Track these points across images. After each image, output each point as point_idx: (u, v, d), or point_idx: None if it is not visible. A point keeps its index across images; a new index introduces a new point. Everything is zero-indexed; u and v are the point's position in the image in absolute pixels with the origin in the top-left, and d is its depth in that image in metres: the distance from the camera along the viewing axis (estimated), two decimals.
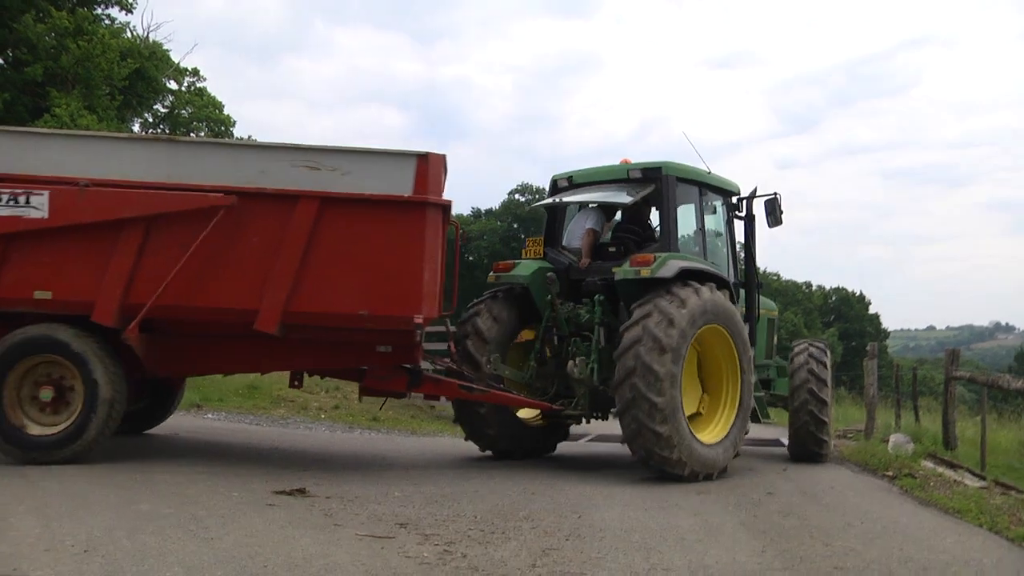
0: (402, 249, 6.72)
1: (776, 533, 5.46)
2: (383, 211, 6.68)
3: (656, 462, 7.30)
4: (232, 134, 48.95)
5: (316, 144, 6.77)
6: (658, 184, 8.23)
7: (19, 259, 6.52)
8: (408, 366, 7.42)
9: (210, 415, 11.31)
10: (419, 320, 6.73)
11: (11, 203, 6.43)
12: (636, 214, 8.82)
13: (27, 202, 6.44)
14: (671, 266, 7.64)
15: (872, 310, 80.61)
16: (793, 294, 67.94)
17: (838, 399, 22.88)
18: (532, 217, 58.00)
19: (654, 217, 8.82)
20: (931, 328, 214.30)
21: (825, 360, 9.34)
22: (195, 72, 47.14)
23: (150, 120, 45.78)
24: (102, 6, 35.73)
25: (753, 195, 9.12)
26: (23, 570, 3.76)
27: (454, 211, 7.69)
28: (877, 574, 4.67)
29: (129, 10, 36.81)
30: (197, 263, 6.50)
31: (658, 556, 4.70)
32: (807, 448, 9.23)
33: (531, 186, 61.73)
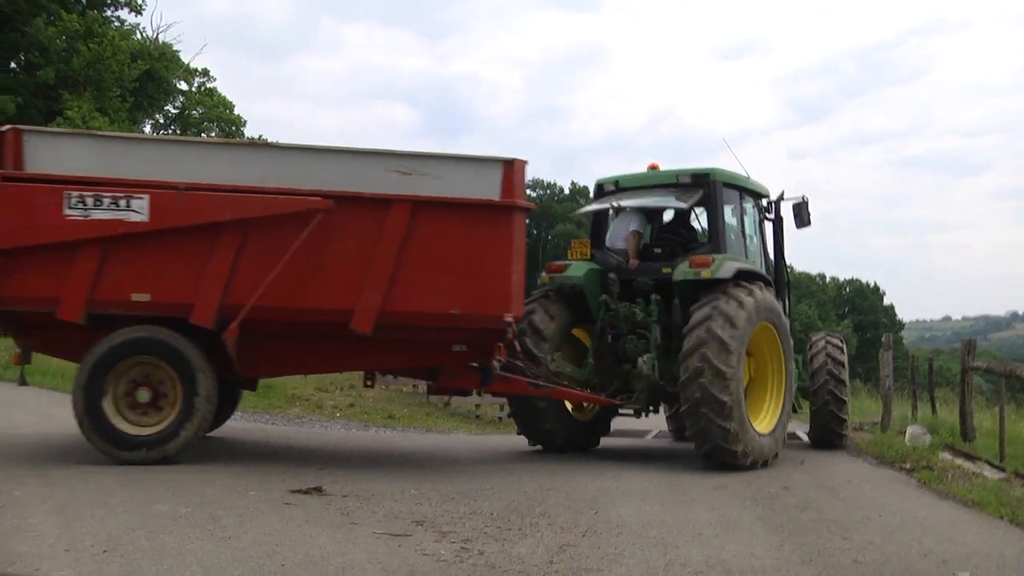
0: (492, 250, 6.95)
1: (794, 527, 5.44)
2: (473, 214, 6.90)
3: (721, 455, 7.69)
4: (243, 134, 49.14)
5: (407, 150, 7.00)
6: (707, 189, 8.67)
7: (117, 262, 6.58)
8: (479, 364, 7.61)
9: None
10: (509, 319, 6.99)
11: (112, 206, 6.47)
12: (679, 217, 9.32)
13: (128, 205, 6.49)
14: (728, 268, 8.08)
15: (887, 301, 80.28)
16: (807, 286, 67.73)
17: (853, 391, 22.73)
18: (542, 211, 57.98)
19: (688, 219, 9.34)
20: (947, 318, 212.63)
21: (842, 347, 9.80)
22: (205, 72, 47.30)
23: (161, 121, 46.04)
24: (112, 8, 35.98)
25: (781, 198, 9.63)
26: (44, 570, 3.79)
27: None
28: (896, 568, 4.65)
29: (138, 12, 37.07)
30: (294, 265, 6.59)
31: (675, 551, 4.69)
32: (828, 428, 9.64)
33: (541, 181, 61.73)
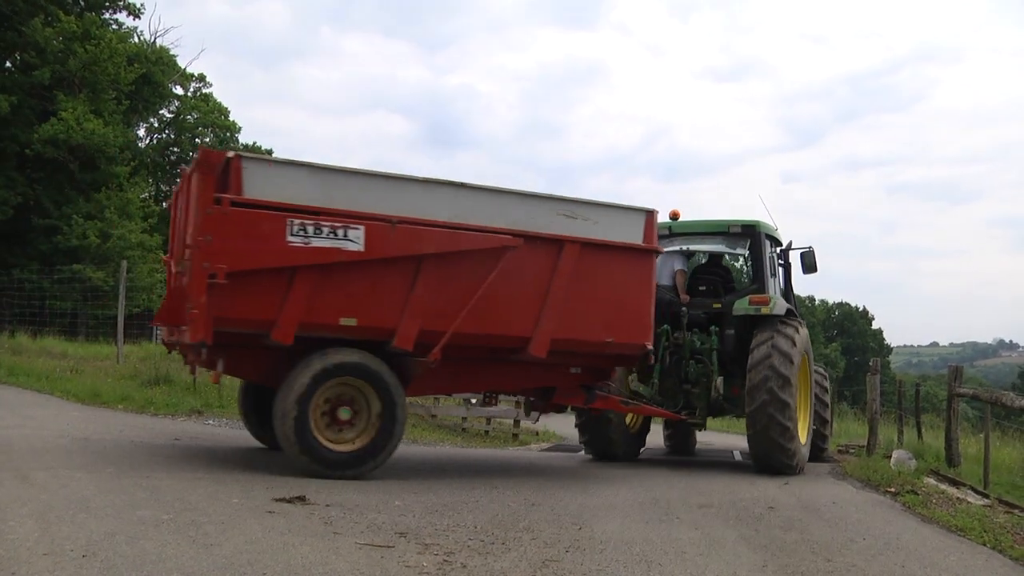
0: (637, 287, 8.12)
1: (777, 548, 5.43)
2: (625, 256, 8.02)
3: (779, 467, 9.26)
4: (238, 140, 49.06)
5: (573, 196, 7.97)
6: (753, 238, 10.29)
7: (330, 287, 6.89)
8: (586, 384, 8.59)
9: (211, 421, 11.31)
10: (649, 347, 8.24)
11: (331, 235, 6.81)
12: (712, 259, 11.13)
13: (345, 235, 6.86)
14: (781, 306, 9.76)
15: (875, 325, 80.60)
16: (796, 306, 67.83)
17: (841, 414, 22.79)
18: None
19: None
20: (934, 344, 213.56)
21: (826, 384, 11.37)
22: (201, 77, 47.37)
23: (155, 125, 45.94)
24: (110, 11, 36.00)
25: (790, 247, 11.14)
26: (21, 574, 3.75)
27: None
28: None
29: (137, 15, 37.13)
30: (485, 295, 7.33)
31: (658, 569, 4.67)
32: (813, 448, 11.10)
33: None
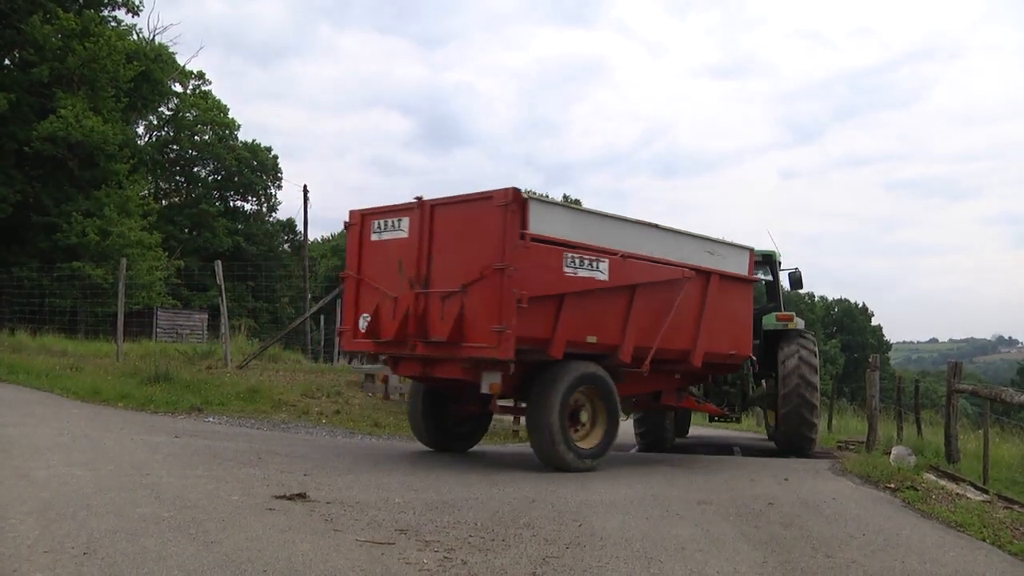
0: (746, 311, 10.15)
1: (777, 544, 5.44)
2: (739, 284, 9.98)
3: (802, 453, 11.49)
4: (236, 138, 48.94)
5: (712, 236, 9.73)
6: (771, 265, 12.85)
7: (584, 310, 8.14)
8: (679, 388, 10.43)
9: (211, 419, 11.31)
10: (753, 357, 10.71)
11: (589, 266, 8.12)
12: None
13: (597, 267, 8.18)
14: (799, 321, 12.20)
15: (875, 322, 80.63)
16: (796, 305, 67.93)
17: (840, 410, 22.83)
18: None
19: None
20: (934, 340, 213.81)
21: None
22: (200, 75, 47.34)
23: (154, 122, 45.86)
24: (108, 8, 35.92)
25: (779, 268, 13.17)
26: (22, 571, 3.75)
27: None
28: None
29: (135, 12, 37.05)
30: (672, 316, 8.88)
31: (658, 566, 4.68)
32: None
33: (534, 193, 61.87)
